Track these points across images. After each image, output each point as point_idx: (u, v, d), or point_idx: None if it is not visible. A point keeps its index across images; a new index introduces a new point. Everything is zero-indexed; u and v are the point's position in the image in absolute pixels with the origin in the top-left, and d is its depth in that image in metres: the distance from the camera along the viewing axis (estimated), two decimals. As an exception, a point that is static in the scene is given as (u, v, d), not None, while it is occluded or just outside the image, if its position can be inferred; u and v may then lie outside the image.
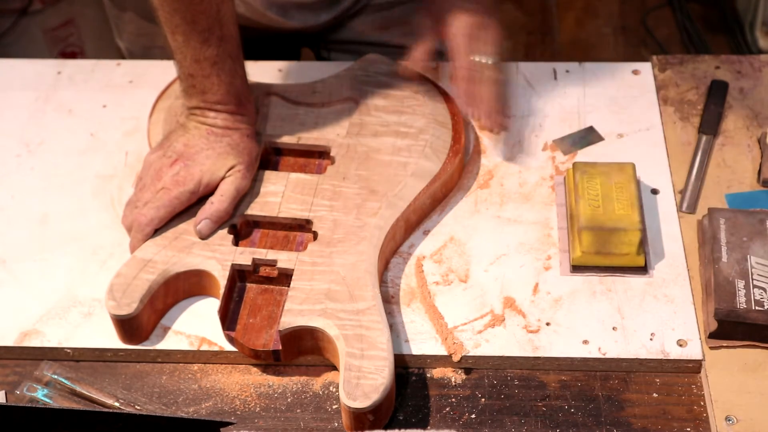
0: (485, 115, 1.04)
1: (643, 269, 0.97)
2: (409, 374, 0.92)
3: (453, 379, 0.92)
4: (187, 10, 0.93)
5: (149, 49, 1.30)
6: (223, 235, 0.97)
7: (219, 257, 0.95)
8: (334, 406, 0.90)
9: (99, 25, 1.94)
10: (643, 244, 0.97)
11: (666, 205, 1.03)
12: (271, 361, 0.92)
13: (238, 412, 0.90)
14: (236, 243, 0.98)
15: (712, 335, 0.91)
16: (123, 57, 1.35)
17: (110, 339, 0.94)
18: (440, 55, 1.12)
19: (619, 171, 1.00)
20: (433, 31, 1.09)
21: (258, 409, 0.90)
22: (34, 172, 1.10)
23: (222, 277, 0.93)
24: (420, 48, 1.09)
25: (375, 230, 0.97)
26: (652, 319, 0.93)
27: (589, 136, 1.11)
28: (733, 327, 0.90)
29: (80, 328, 0.95)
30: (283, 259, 0.95)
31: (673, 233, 1.01)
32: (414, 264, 0.99)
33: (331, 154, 1.05)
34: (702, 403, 0.89)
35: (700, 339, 0.92)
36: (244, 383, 0.92)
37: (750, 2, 2.32)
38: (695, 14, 2.51)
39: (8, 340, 0.94)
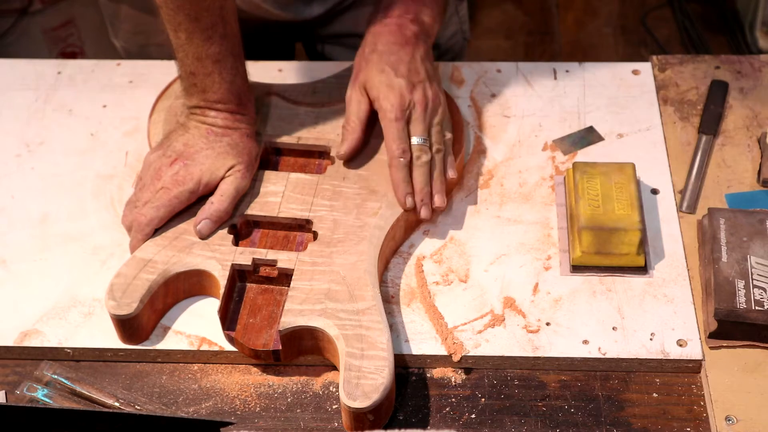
0: (420, 203, 0.99)
1: (643, 269, 0.97)
2: (409, 374, 0.92)
3: (453, 379, 0.92)
4: (192, 7, 0.93)
5: (145, 47, 1.30)
6: (223, 235, 0.97)
7: (219, 257, 0.95)
8: (334, 406, 0.90)
9: (99, 25, 1.94)
10: (643, 244, 0.97)
11: (666, 205, 1.03)
12: (271, 361, 0.92)
13: (238, 412, 0.90)
14: (236, 243, 0.98)
15: (712, 335, 0.91)
16: (121, 56, 1.35)
17: (110, 339, 0.94)
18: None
19: (619, 171, 1.00)
20: (365, 104, 1.04)
21: (258, 409, 0.90)
22: (34, 172, 1.10)
23: (222, 277, 0.93)
24: (352, 120, 1.04)
25: (375, 230, 0.97)
26: (652, 319, 0.93)
27: (589, 136, 1.12)
28: (733, 327, 0.90)
29: (80, 328, 0.95)
30: (283, 259, 0.95)
31: (673, 233, 1.01)
32: (414, 264, 0.99)
33: (331, 154, 1.05)
34: (702, 403, 0.89)
35: (700, 339, 0.92)
36: (244, 383, 0.92)
37: (750, 2, 2.32)
38: (695, 14, 2.51)
39: (8, 340, 0.94)
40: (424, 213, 0.99)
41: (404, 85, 1.01)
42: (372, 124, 1.07)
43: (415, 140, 1.00)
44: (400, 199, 0.99)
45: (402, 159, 0.99)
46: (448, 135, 1.03)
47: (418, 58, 1.04)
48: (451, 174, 1.02)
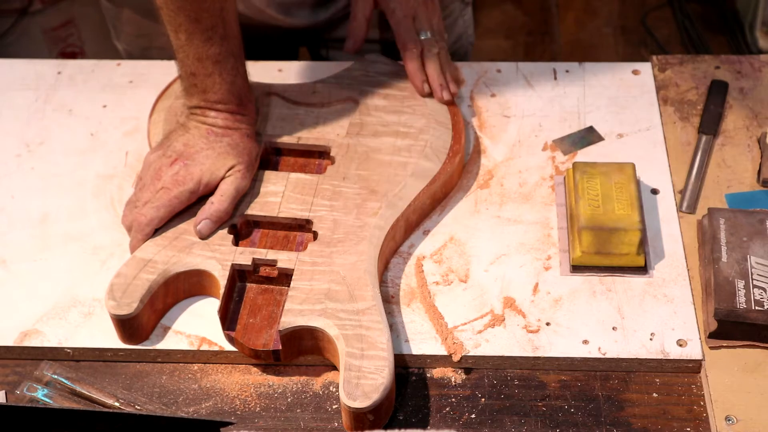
0: (439, 87, 1.08)
1: (643, 269, 0.97)
2: (409, 374, 0.92)
3: (453, 379, 0.92)
4: (192, 8, 0.93)
5: (147, 50, 1.30)
6: (223, 235, 0.97)
7: (219, 257, 0.95)
8: (334, 406, 0.90)
9: (99, 25, 1.94)
10: (643, 244, 0.97)
11: (666, 205, 1.03)
12: (271, 361, 0.92)
13: (238, 412, 0.90)
14: (236, 243, 0.98)
15: (712, 335, 0.91)
16: (123, 58, 1.35)
17: (110, 339, 0.94)
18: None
19: (619, 171, 1.00)
20: (369, 3, 1.15)
21: (258, 409, 0.90)
22: (34, 172, 1.10)
23: (222, 277, 0.93)
24: (358, 17, 1.15)
25: (375, 230, 0.97)
26: (652, 319, 0.93)
27: (589, 136, 1.12)
28: (733, 327, 0.90)
29: (80, 328, 0.95)
30: (283, 259, 0.95)
31: (673, 233, 1.01)
32: (414, 264, 0.99)
33: (331, 154, 1.05)
34: (702, 403, 0.89)
35: (700, 339, 0.92)
36: (244, 383, 0.92)
37: (750, 2, 2.32)
38: (695, 14, 2.51)
39: (8, 340, 0.94)
40: (446, 95, 1.09)
41: None
42: (373, 124, 1.07)
43: (423, 35, 1.11)
44: (418, 86, 1.09)
45: (414, 50, 1.10)
46: (445, 35, 1.15)
47: None
48: (452, 68, 1.12)
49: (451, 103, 1.10)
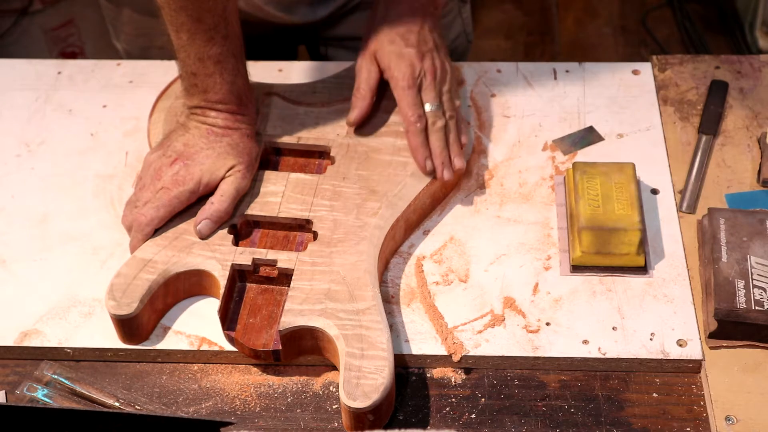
0: (441, 165, 1.02)
1: (643, 269, 0.97)
2: (409, 374, 0.92)
3: (453, 379, 0.92)
4: (194, 7, 0.93)
5: (147, 50, 1.30)
6: (223, 235, 0.97)
7: (219, 257, 0.95)
8: (334, 406, 0.90)
9: (99, 25, 1.94)
10: (643, 244, 0.97)
11: (666, 205, 1.03)
12: (271, 361, 0.92)
13: (238, 412, 0.90)
14: (236, 243, 0.98)
15: (712, 335, 0.91)
16: (122, 58, 1.35)
17: (110, 339, 0.94)
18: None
19: (619, 171, 1.00)
20: (374, 72, 1.07)
21: (258, 409, 0.90)
22: (34, 172, 1.10)
23: (222, 277, 0.93)
24: (362, 88, 1.07)
25: (375, 230, 0.97)
26: (652, 319, 0.93)
27: (589, 136, 1.12)
28: (733, 327, 0.90)
29: (80, 328, 0.95)
30: (283, 259, 0.95)
31: (673, 233, 1.01)
32: (414, 264, 0.99)
33: (331, 154, 1.05)
34: (702, 403, 0.89)
35: (700, 339, 0.92)
36: (244, 383, 0.92)
37: (750, 2, 2.32)
38: (695, 14, 2.51)
39: (8, 340, 0.94)
40: (446, 175, 1.02)
41: (414, 54, 1.04)
42: (373, 124, 1.07)
43: (428, 107, 1.03)
44: (420, 163, 1.02)
45: (418, 124, 1.02)
46: (458, 102, 1.07)
47: (426, 29, 1.07)
48: (464, 139, 1.06)
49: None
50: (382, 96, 1.10)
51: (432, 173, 1.02)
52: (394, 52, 1.05)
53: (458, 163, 1.03)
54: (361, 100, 1.06)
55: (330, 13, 1.24)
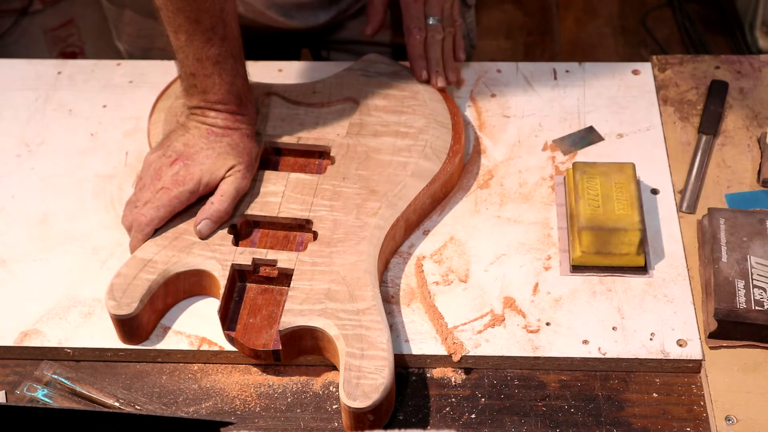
0: (434, 73, 1.09)
1: (643, 269, 0.97)
2: (409, 374, 0.92)
3: (453, 379, 0.92)
4: (192, 9, 0.93)
5: (149, 51, 1.30)
6: (223, 235, 0.97)
7: (219, 257, 0.95)
8: (334, 406, 0.90)
9: (99, 25, 1.94)
10: (643, 244, 0.97)
11: (666, 205, 1.03)
12: (271, 361, 0.92)
13: (238, 412, 0.90)
14: (236, 243, 0.98)
15: (712, 335, 0.91)
16: (123, 58, 1.35)
17: (110, 339, 0.94)
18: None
19: (619, 171, 1.00)
20: None
21: (258, 409, 0.90)
22: (34, 172, 1.10)
23: (222, 277, 0.93)
24: (376, 1, 1.15)
25: (375, 230, 0.97)
26: (652, 319, 0.93)
27: (589, 136, 1.12)
28: (733, 327, 0.90)
29: (80, 328, 0.95)
30: (283, 259, 0.95)
31: (673, 233, 1.01)
32: (414, 264, 0.99)
33: (331, 154, 1.05)
34: (702, 403, 0.89)
35: (700, 339, 0.92)
36: (244, 383, 0.92)
37: (750, 2, 2.32)
38: (695, 14, 2.51)
39: (8, 340, 0.94)
40: (439, 82, 1.10)
41: None
42: (372, 124, 1.07)
43: (430, 20, 1.11)
44: (417, 72, 1.10)
45: (418, 36, 1.10)
46: (459, 20, 1.13)
47: None
48: (461, 55, 1.13)
49: (451, 100, 1.10)
50: (381, 96, 1.10)
51: (426, 82, 1.10)
52: None
53: (452, 76, 1.11)
54: (375, 14, 1.15)
55: (332, 17, 1.24)
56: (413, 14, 1.11)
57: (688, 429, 0.87)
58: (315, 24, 1.24)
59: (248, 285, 0.96)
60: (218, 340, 0.93)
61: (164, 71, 1.19)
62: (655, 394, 0.90)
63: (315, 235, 0.97)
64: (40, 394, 0.89)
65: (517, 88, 1.17)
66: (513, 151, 1.10)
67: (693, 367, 0.91)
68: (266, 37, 1.27)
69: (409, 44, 1.11)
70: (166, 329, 0.94)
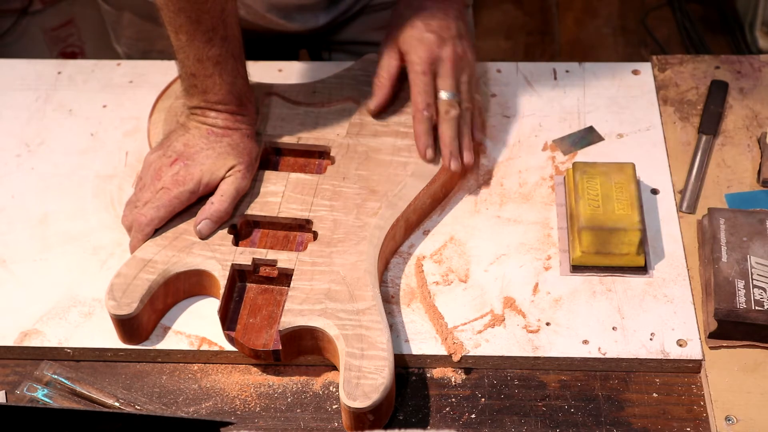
0: (449, 155, 1.00)
1: (643, 269, 0.97)
2: (409, 374, 0.92)
3: (453, 379, 0.92)
4: (192, 9, 0.93)
5: (147, 54, 1.30)
6: (223, 235, 0.97)
7: (219, 257, 0.95)
8: (334, 406, 0.90)
9: (99, 25, 1.94)
10: (643, 244, 0.97)
11: (666, 205, 1.03)
12: (271, 361, 0.92)
13: (238, 412, 0.90)
14: (236, 243, 0.98)
15: (712, 335, 0.91)
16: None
17: (110, 339, 0.94)
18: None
19: (619, 171, 1.00)
20: (395, 59, 1.05)
21: (258, 409, 0.90)
22: (34, 172, 1.10)
23: (222, 277, 0.93)
24: (382, 76, 1.06)
25: (375, 230, 0.97)
26: (652, 319, 0.93)
27: (589, 136, 1.11)
28: (733, 327, 0.90)
29: (80, 328, 0.95)
30: (283, 259, 0.95)
31: (673, 233, 1.01)
32: (414, 264, 0.99)
33: (331, 154, 1.05)
34: (702, 403, 0.89)
35: (700, 339, 0.92)
36: (244, 383, 0.92)
37: (750, 2, 2.32)
38: (695, 14, 2.51)
39: (8, 340, 0.94)
40: (453, 165, 1.00)
41: (434, 39, 1.02)
42: (372, 124, 1.07)
43: (443, 95, 1.01)
44: (421, 150, 0.99)
45: (425, 112, 1.00)
46: (478, 96, 1.05)
47: (451, 15, 1.05)
48: (479, 136, 1.03)
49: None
50: (382, 96, 1.10)
51: (432, 161, 1.00)
52: (414, 36, 1.03)
53: (467, 157, 1.00)
54: (380, 89, 1.04)
55: (332, 19, 1.24)
56: (421, 88, 1.01)
57: (688, 429, 0.87)
58: (315, 26, 1.24)
59: (248, 285, 0.96)
60: (218, 340, 0.93)
61: (164, 71, 1.19)
62: (655, 394, 0.90)
63: (315, 235, 0.97)
64: (40, 394, 0.89)
65: (517, 88, 1.17)
66: (513, 151, 1.10)
67: (693, 367, 0.91)
68: (266, 38, 1.27)
69: (415, 120, 1.01)
70: (166, 329, 0.95)
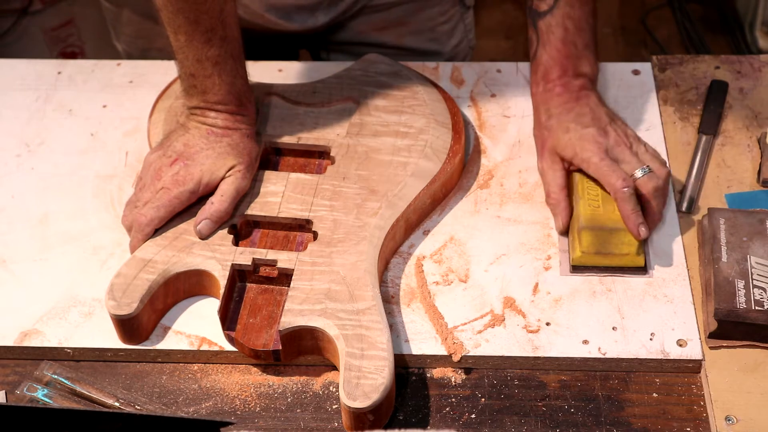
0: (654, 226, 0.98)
1: (643, 269, 0.97)
2: (409, 374, 0.92)
3: (453, 379, 0.92)
4: (191, 10, 0.93)
5: (147, 51, 1.30)
6: (223, 235, 0.97)
7: (219, 257, 0.95)
8: (334, 406, 0.90)
9: (99, 25, 1.94)
10: (643, 244, 0.97)
11: (666, 205, 1.03)
12: (271, 361, 0.92)
13: (238, 412, 0.90)
14: (236, 243, 0.98)
15: (712, 335, 0.91)
16: (122, 58, 1.35)
17: (110, 339, 0.94)
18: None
19: (619, 171, 1.00)
20: (560, 170, 1.02)
21: (258, 409, 0.90)
22: (34, 172, 1.10)
23: (222, 277, 0.93)
24: (554, 191, 1.02)
25: (375, 230, 0.97)
26: (652, 319, 0.93)
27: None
28: (732, 327, 0.90)
29: (80, 328, 0.95)
30: (283, 259, 0.95)
31: (673, 233, 1.01)
32: (414, 264, 0.99)
33: (331, 154, 1.05)
34: (702, 403, 0.89)
35: (700, 339, 0.92)
36: (244, 383, 0.92)
37: (750, 2, 2.32)
38: (695, 14, 2.51)
39: (8, 340, 0.94)
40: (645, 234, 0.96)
41: (595, 132, 1.00)
42: (372, 124, 1.07)
43: (639, 173, 0.97)
44: (633, 230, 0.95)
45: (626, 189, 0.95)
46: (665, 169, 1.00)
47: (594, 107, 1.03)
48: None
49: (451, 100, 1.09)
50: (381, 96, 1.10)
51: (645, 239, 0.96)
52: (573, 138, 1.00)
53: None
54: (558, 205, 1.00)
55: (331, 19, 1.24)
56: (608, 171, 0.96)
57: (688, 429, 0.87)
58: (314, 26, 1.24)
59: (248, 285, 0.96)
60: (218, 340, 0.93)
61: (164, 71, 1.19)
62: (655, 394, 0.90)
63: (315, 235, 0.97)
64: (40, 394, 0.89)
65: (517, 88, 1.17)
66: (513, 151, 1.10)
67: (693, 367, 0.91)
68: (265, 38, 1.26)
69: (620, 201, 0.96)
70: (166, 329, 0.94)
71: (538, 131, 1.06)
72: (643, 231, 0.95)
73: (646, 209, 0.97)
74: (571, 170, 1.02)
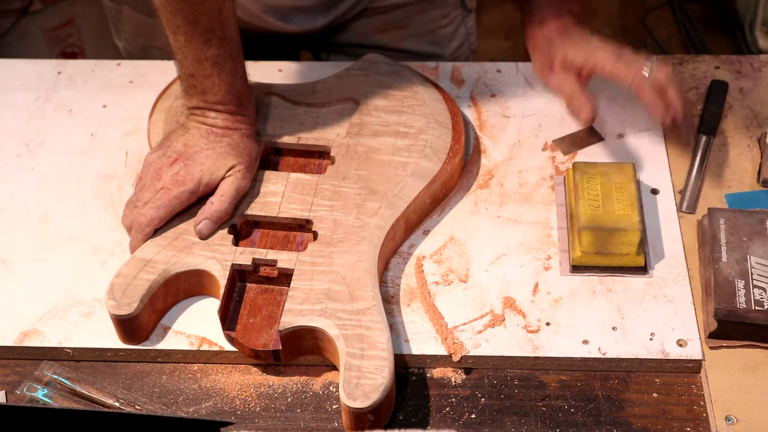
0: (680, 118, 1.02)
1: (643, 269, 0.97)
2: (409, 374, 0.92)
3: (453, 379, 0.92)
4: (190, 10, 0.93)
5: (147, 49, 1.30)
6: (223, 235, 0.97)
7: (219, 257, 0.95)
8: (334, 406, 0.90)
9: (99, 25, 1.94)
10: (643, 244, 0.97)
11: (666, 205, 1.03)
12: (271, 361, 0.92)
13: (238, 412, 0.90)
14: (236, 243, 0.98)
15: (712, 335, 0.91)
16: (123, 57, 1.35)
17: (110, 339, 0.94)
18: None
19: (619, 171, 1.00)
20: (571, 79, 1.09)
21: (258, 409, 0.90)
22: (34, 172, 1.10)
23: (222, 277, 0.93)
24: (575, 91, 1.08)
25: (375, 230, 0.97)
26: (652, 319, 0.93)
27: (589, 136, 1.11)
28: (732, 327, 0.90)
29: (80, 328, 0.95)
30: (283, 259, 0.95)
31: (673, 233, 1.01)
32: (414, 264, 0.99)
33: (331, 154, 1.05)
34: (702, 403, 0.89)
35: (700, 339, 0.92)
36: (244, 383, 0.92)
37: (750, 2, 2.32)
38: (695, 14, 2.51)
39: (8, 340, 0.94)
40: (685, 127, 1.04)
41: (599, 39, 1.08)
42: (372, 124, 1.07)
43: (649, 63, 1.03)
44: (658, 117, 1.02)
45: (646, 70, 1.02)
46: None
47: (589, 33, 1.11)
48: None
49: (451, 100, 1.10)
50: (381, 96, 1.10)
51: (667, 126, 1.04)
52: (584, 45, 1.08)
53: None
54: (586, 105, 1.06)
55: (330, 21, 1.24)
56: (626, 65, 1.04)
57: (688, 429, 0.87)
58: (313, 27, 1.23)
59: (248, 285, 0.96)
60: (218, 340, 0.93)
61: (164, 71, 1.19)
62: (655, 394, 0.90)
63: (315, 235, 0.97)
64: (40, 394, 0.89)
65: (517, 88, 1.17)
66: (513, 151, 1.10)
67: (693, 367, 0.91)
68: (265, 39, 1.26)
69: (642, 91, 1.03)
70: (166, 329, 0.95)
71: (543, 58, 1.13)
72: (667, 119, 1.01)
73: (665, 99, 1.02)
74: (582, 75, 1.08)
